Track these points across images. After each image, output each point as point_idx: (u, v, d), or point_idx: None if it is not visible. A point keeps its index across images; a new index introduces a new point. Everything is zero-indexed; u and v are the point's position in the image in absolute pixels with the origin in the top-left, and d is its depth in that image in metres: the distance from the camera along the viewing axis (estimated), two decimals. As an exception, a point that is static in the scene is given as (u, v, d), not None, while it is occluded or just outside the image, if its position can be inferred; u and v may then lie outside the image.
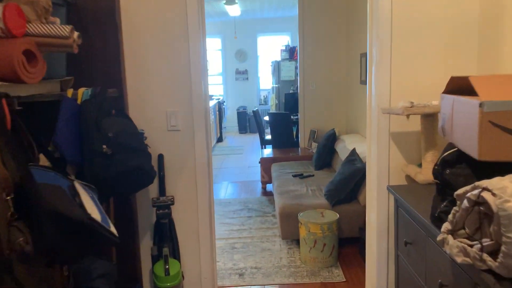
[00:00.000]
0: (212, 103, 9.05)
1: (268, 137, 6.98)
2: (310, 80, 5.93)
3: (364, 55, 4.76)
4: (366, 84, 4.87)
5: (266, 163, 5.58)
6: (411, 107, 2.00)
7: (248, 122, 10.80)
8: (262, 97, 11.12)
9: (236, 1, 7.85)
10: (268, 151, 6.22)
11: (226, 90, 11.14)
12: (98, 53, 2.35)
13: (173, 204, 2.39)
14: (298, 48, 6.01)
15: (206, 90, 2.56)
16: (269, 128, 6.69)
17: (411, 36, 2.34)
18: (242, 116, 10.76)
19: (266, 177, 5.59)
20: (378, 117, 2.42)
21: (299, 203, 3.78)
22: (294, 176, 4.69)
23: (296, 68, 8.80)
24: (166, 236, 2.42)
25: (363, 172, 3.61)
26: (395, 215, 2.12)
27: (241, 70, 11.03)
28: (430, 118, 2.06)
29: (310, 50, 5.87)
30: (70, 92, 2.23)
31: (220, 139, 9.71)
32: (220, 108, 9.74)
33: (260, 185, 5.82)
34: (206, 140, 2.51)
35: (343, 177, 3.73)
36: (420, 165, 2.27)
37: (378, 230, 2.48)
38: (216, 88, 11.16)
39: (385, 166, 2.45)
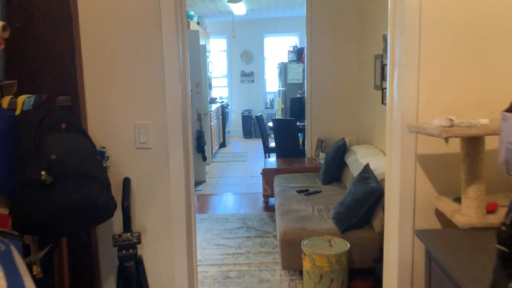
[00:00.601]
0: (215, 106, 8.57)
1: (273, 144, 6.47)
2: (318, 83, 5.41)
3: (379, 57, 4.23)
4: (380, 89, 4.35)
5: (268, 175, 5.07)
6: (450, 126, 1.48)
7: (253, 126, 10.30)
8: (268, 100, 10.62)
9: (241, -1, 7.36)
10: (271, 161, 5.71)
11: (231, 92, 10.65)
12: (47, 51, 1.87)
13: (139, 242, 1.89)
14: (305, 49, 5.50)
15: (186, 98, 2.06)
16: (273, 136, 6.17)
17: (447, 31, 1.82)
18: (247, 120, 10.26)
19: (269, 190, 5.08)
20: (402, 135, 1.90)
21: (303, 227, 3.26)
22: (299, 192, 4.17)
23: (304, 70, 8.28)
24: (131, 282, 1.92)
25: (379, 193, 3.09)
26: (426, 271, 1.60)
27: (246, 72, 10.53)
28: (475, 141, 1.53)
29: (318, 51, 5.35)
30: (6, 101, 1.75)
31: (223, 145, 9.22)
32: (223, 112, 9.25)
33: (262, 198, 5.31)
34: (184, 160, 2.00)
35: (355, 199, 3.20)
36: (456, 199, 1.74)
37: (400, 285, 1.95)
38: (220, 90, 10.68)
39: (410, 197, 1.92)
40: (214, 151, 8.05)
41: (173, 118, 1.95)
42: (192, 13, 7.79)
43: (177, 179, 1.98)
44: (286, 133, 5.80)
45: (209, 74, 9.01)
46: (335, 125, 5.40)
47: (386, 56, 4.04)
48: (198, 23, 8.72)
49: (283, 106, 8.43)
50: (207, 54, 9.15)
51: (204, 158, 6.19)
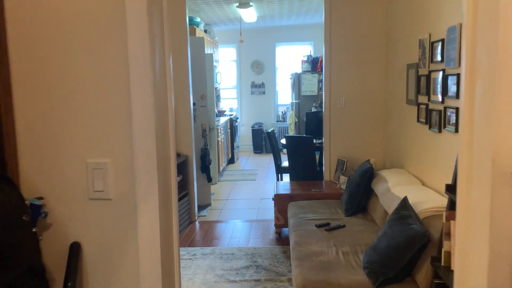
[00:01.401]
0: (223, 119, 7.96)
1: (286, 163, 5.81)
2: (338, 96, 4.75)
3: (413, 66, 3.56)
4: (416, 104, 3.65)
5: (281, 202, 4.40)
6: None
7: (263, 140, 9.66)
8: (280, 113, 9.98)
9: (251, 4, 6.77)
10: (284, 184, 5.04)
11: (241, 105, 10.04)
12: (-47, 55, 1.24)
13: None
14: (323, 57, 4.86)
15: (166, 123, 1.42)
16: (286, 153, 5.51)
17: None
18: (257, 134, 9.62)
19: (282, 220, 4.41)
20: (494, 183, 1.23)
21: (327, 280, 2.58)
22: (318, 226, 3.49)
23: (319, 81, 7.64)
24: None
25: (426, 239, 2.41)
26: None
27: (257, 83, 9.92)
28: None
29: (338, 60, 4.71)
30: None
31: (231, 161, 8.58)
32: (232, 125, 8.63)
33: (274, 227, 4.64)
34: (162, 215, 1.35)
35: (393, 245, 2.52)
36: None
37: None
38: (229, 102, 10.08)
39: (505, 278, 1.25)
40: (221, 169, 7.41)
41: (144, 153, 1.30)
42: (198, 19, 7.22)
43: (149, 244, 1.33)
44: (301, 152, 5.14)
45: (217, 85, 8.42)
46: (357, 145, 4.74)
47: (423, 65, 3.38)
48: (205, 31, 8.15)
49: (296, 120, 7.78)
50: (215, 64, 8.58)
51: (209, 179, 5.54)
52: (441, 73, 2.95)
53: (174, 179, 1.47)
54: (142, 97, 1.28)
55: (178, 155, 4.76)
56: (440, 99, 2.98)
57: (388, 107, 4.47)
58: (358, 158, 4.61)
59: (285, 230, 4.51)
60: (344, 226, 3.49)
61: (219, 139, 7.17)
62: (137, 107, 1.28)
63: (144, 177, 1.31)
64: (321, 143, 5.23)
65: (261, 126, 9.62)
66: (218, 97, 9.67)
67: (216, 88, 9.04)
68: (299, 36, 9.60)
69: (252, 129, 9.64)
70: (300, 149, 5.12)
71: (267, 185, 6.67)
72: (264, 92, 9.92)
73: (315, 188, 4.55)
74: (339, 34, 4.67)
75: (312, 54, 8.29)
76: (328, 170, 4.86)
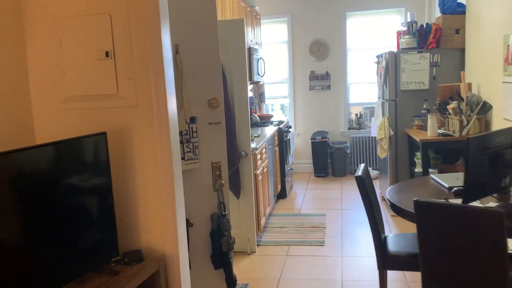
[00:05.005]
0: (268, 132, 4.95)
1: (399, 246, 2.71)
2: None
3: None
4: None
5: None
6: None
7: (329, 157, 6.54)
8: (353, 117, 6.80)
9: None
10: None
11: (294, 106, 6.95)
12: None
13: None
14: None
15: None
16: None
17: None
18: (319, 149, 6.50)
19: None
20: None
21: None
22: None
23: (432, 65, 4.42)
24: None
25: None
26: None
27: (319, 73, 6.78)
28: None
29: None
30: None
31: (281, 195, 5.54)
32: (281, 139, 5.54)
33: None
34: None
35: None
36: None
37: None
38: (278, 103, 7.05)
39: None
40: (263, 220, 4.38)
41: None
42: (221, -34, 4.22)
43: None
44: (460, 239, 1.99)
45: (259, 78, 5.42)
46: None
47: None
48: (237, -8, 5.15)
49: (391, 133, 4.59)
50: (254, 45, 5.58)
51: (231, 283, 2.54)
52: None
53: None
54: None
55: (134, 261, 1.78)
56: None
57: None
58: None
59: None
60: None
61: (258, 171, 4.15)
62: None
63: None
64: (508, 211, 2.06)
65: (326, 138, 6.48)
66: (261, 95, 6.66)
67: (259, 83, 6.05)
68: (382, 0, 6.36)
69: (312, 142, 6.53)
70: (458, 232, 1.97)
71: (349, 262, 3.57)
72: (329, 87, 6.76)
73: None
74: None
75: (415, 20, 5.00)
76: None
